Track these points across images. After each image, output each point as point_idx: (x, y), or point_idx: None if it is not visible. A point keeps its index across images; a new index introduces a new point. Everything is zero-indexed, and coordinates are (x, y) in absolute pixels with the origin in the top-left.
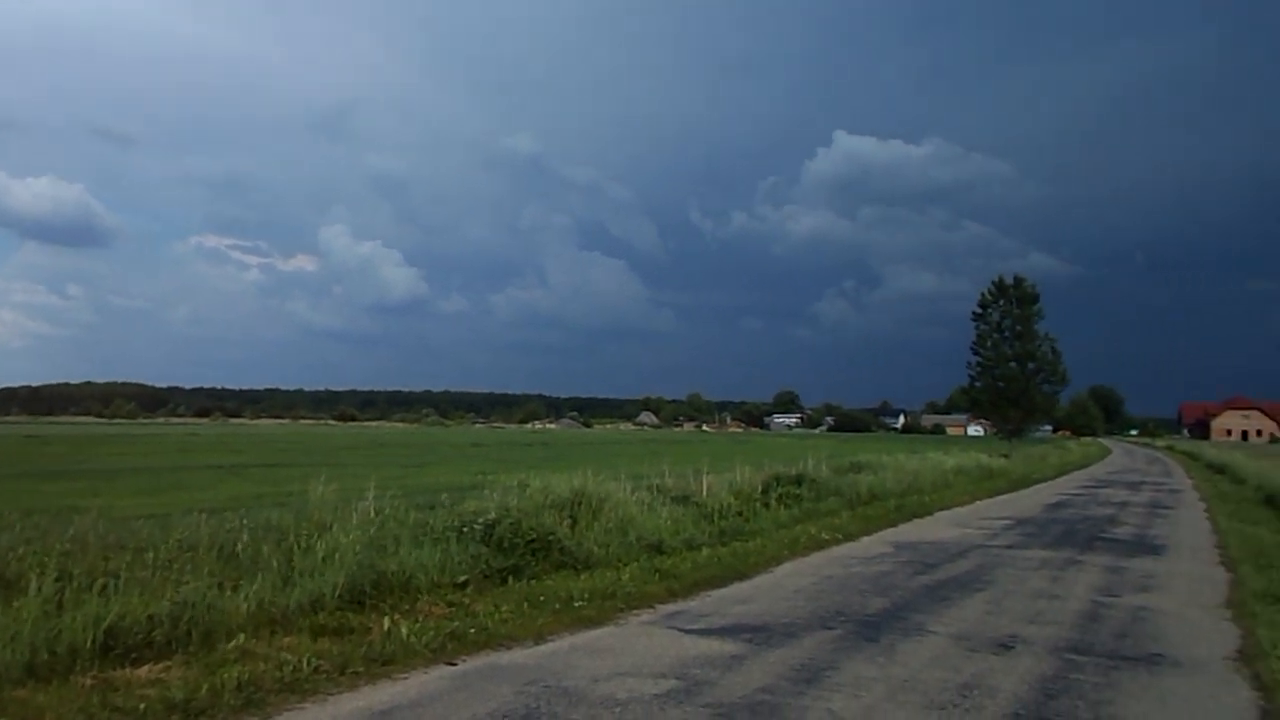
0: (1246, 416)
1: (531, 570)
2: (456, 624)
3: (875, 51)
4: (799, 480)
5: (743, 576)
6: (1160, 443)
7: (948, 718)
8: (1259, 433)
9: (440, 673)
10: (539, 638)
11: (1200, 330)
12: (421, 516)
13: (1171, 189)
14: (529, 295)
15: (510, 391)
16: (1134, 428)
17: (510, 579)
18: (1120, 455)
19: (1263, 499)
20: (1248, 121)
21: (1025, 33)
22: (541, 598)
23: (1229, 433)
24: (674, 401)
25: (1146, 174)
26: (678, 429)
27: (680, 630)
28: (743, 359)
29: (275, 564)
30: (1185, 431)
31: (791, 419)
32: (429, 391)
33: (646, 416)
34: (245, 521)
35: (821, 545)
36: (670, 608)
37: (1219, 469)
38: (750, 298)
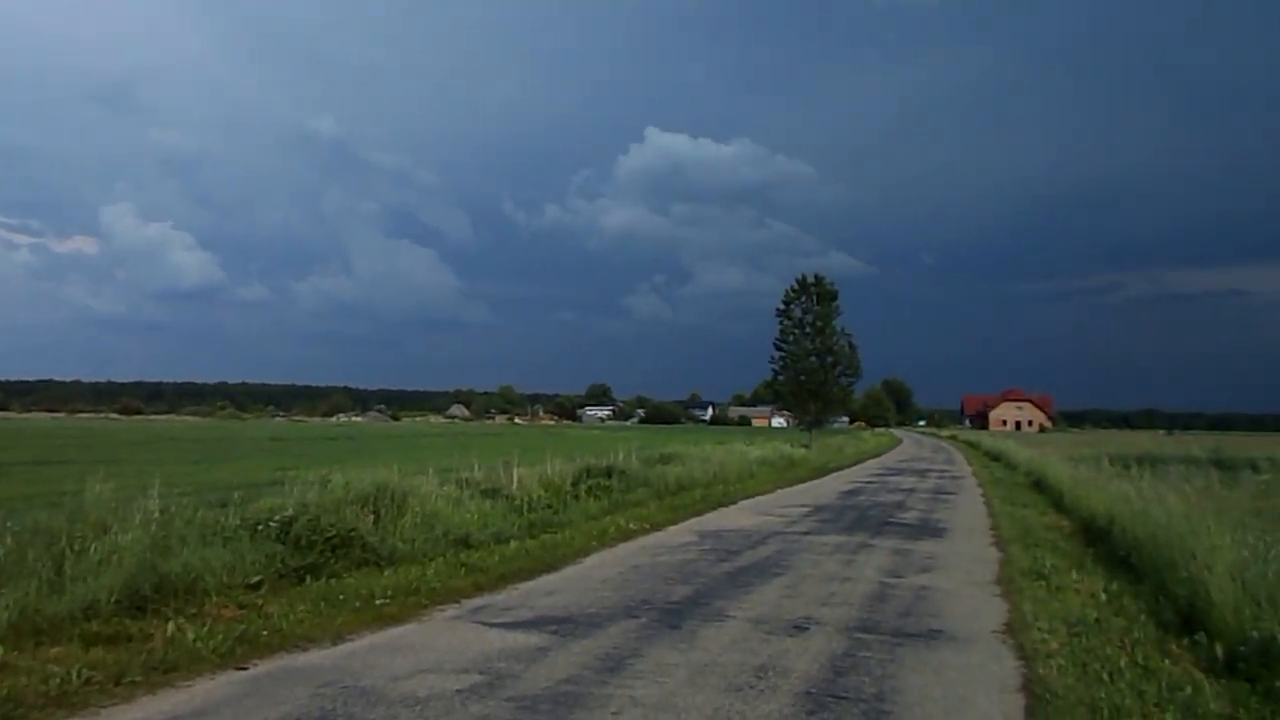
0: (1020, 408)
1: (331, 568)
2: (248, 626)
3: (687, 51)
4: (609, 472)
5: (551, 568)
6: (945, 432)
7: (744, 699)
8: (1030, 423)
9: (229, 678)
10: (338, 638)
11: (980, 327)
12: (212, 515)
13: (956, 195)
14: (334, 283)
15: (314, 384)
16: (922, 418)
17: (308, 578)
18: (910, 445)
19: (1031, 483)
20: (1021, 134)
21: (827, 41)
22: (341, 596)
23: (1004, 423)
24: (486, 394)
25: (934, 179)
26: (490, 422)
27: (485, 624)
28: (556, 351)
29: (42, 570)
30: (967, 421)
31: (604, 411)
32: (224, 384)
33: (458, 409)
34: (9, 525)
35: (630, 535)
36: (476, 602)
37: (995, 456)
38: (564, 290)
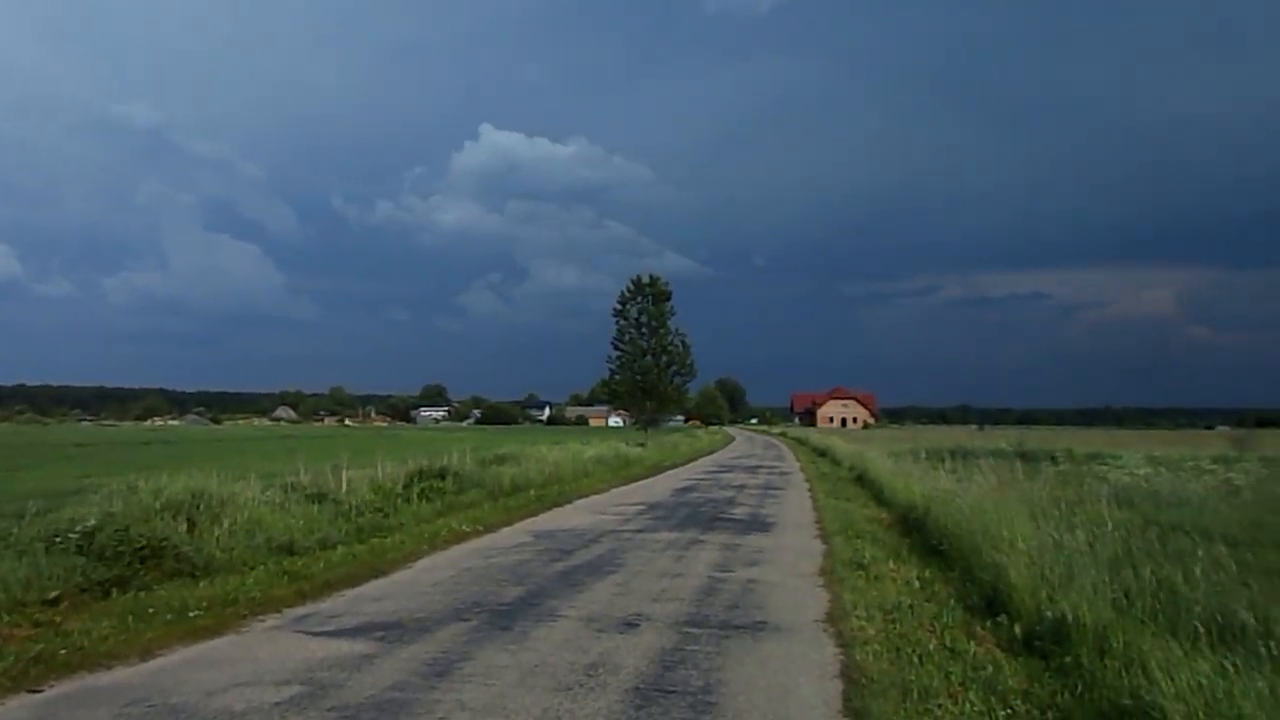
0: (845, 405)
1: (141, 580)
2: (43, 646)
3: (523, 49)
4: (443, 474)
5: (380, 573)
6: (775, 430)
7: (574, 697)
8: (855, 420)
9: (21, 702)
10: (146, 654)
11: (809, 327)
12: (3, 526)
13: (787, 198)
14: (147, 279)
15: (126, 385)
16: (755, 416)
17: (115, 591)
18: (742, 442)
19: (855, 478)
20: (847, 140)
21: (664, 44)
22: (151, 610)
23: (831, 420)
24: (315, 395)
25: (767, 183)
26: (318, 424)
27: (308, 633)
28: (389, 351)
29: None
30: (796, 419)
31: (439, 412)
32: (24, 385)
33: (284, 411)
34: None
35: (463, 538)
36: (299, 611)
37: (822, 452)
38: (397, 288)
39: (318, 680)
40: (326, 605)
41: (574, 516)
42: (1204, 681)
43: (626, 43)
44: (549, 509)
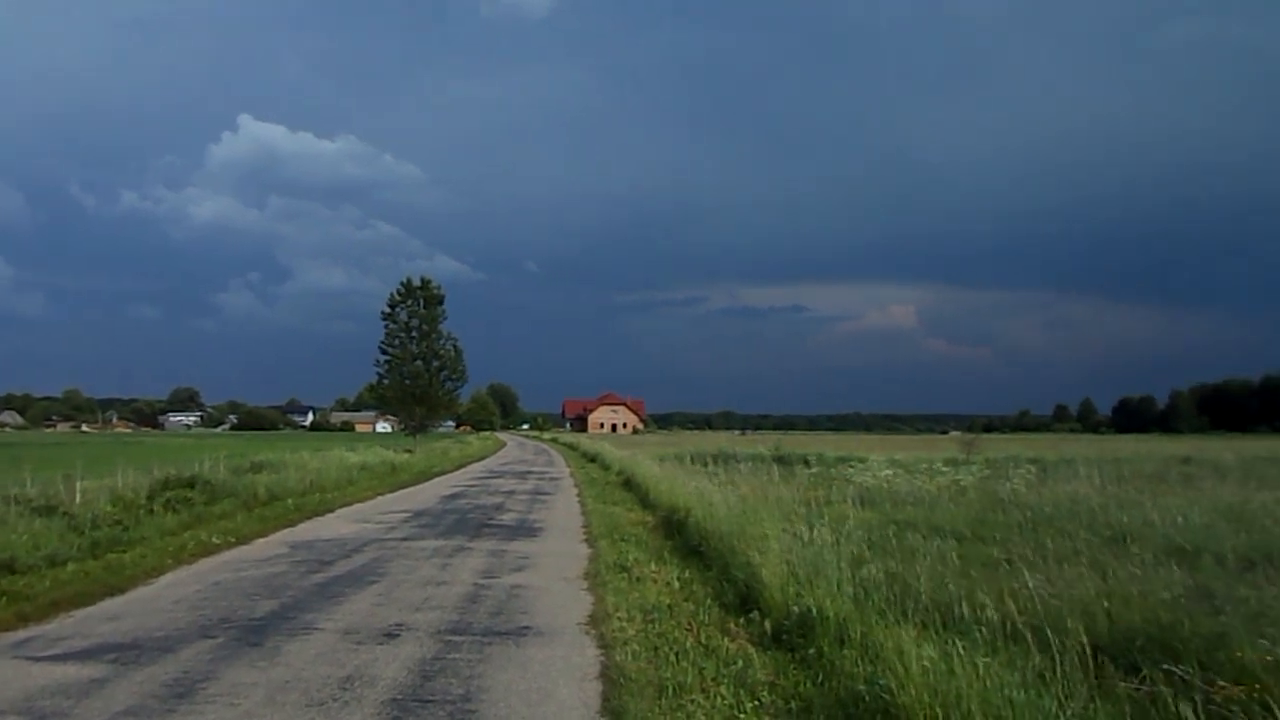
0: (615, 411)
1: None
2: None
3: (287, 38)
4: (192, 483)
5: (117, 591)
6: (547, 435)
7: (327, 712)
8: (625, 425)
9: None
10: None
11: (582, 333)
12: None
13: (560, 205)
14: None
15: None
16: (526, 422)
17: None
18: (514, 448)
19: (622, 482)
20: (620, 151)
21: (439, 43)
22: None
23: (602, 425)
24: (46, 399)
25: (541, 189)
26: (50, 429)
27: (30, 659)
28: (134, 352)
29: None
30: (568, 424)
31: (190, 418)
32: None
33: (9, 416)
34: None
35: (212, 551)
36: (19, 635)
37: (591, 458)
38: (144, 284)
39: (38, 710)
40: (52, 627)
41: (336, 526)
42: (929, 664)
43: (399, 40)
44: (309, 518)
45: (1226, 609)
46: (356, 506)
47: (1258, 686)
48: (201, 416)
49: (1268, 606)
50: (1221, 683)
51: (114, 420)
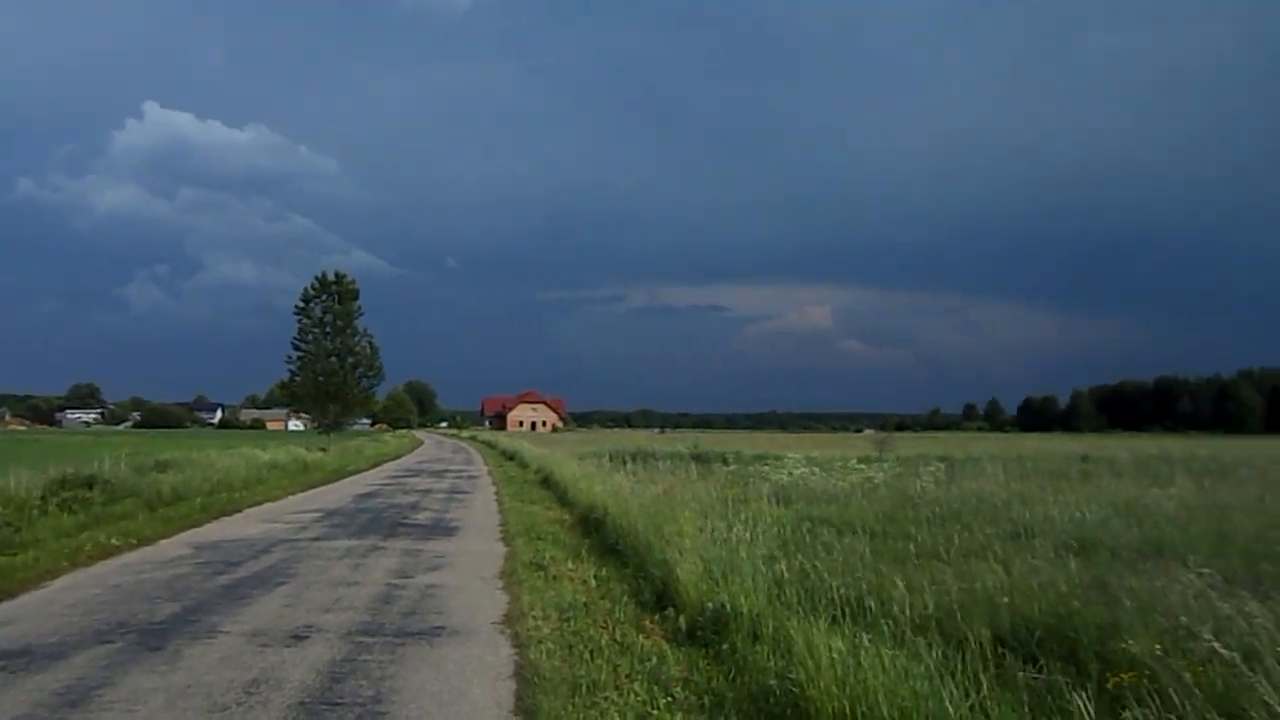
0: (535, 409)
1: None
2: None
3: (195, 24)
4: (90, 482)
5: (6, 595)
6: (465, 433)
7: (230, 718)
8: (544, 423)
9: None
10: None
11: (502, 331)
12: None
13: (482, 201)
14: None
15: None
16: (445, 420)
17: None
18: (431, 446)
19: (541, 480)
20: (542, 149)
21: (358, 35)
22: None
23: (521, 423)
24: None
25: (461, 185)
26: None
27: None
28: (29, 346)
29: None
30: (487, 422)
31: (90, 415)
32: None
33: None
34: None
35: (111, 552)
36: None
37: (510, 456)
38: (41, 277)
39: None
40: None
41: (244, 526)
42: (838, 657)
43: (316, 30)
44: (216, 519)
45: (1119, 600)
46: (266, 506)
47: (1147, 674)
48: (102, 414)
49: (1157, 598)
50: (1114, 671)
51: (6, 418)
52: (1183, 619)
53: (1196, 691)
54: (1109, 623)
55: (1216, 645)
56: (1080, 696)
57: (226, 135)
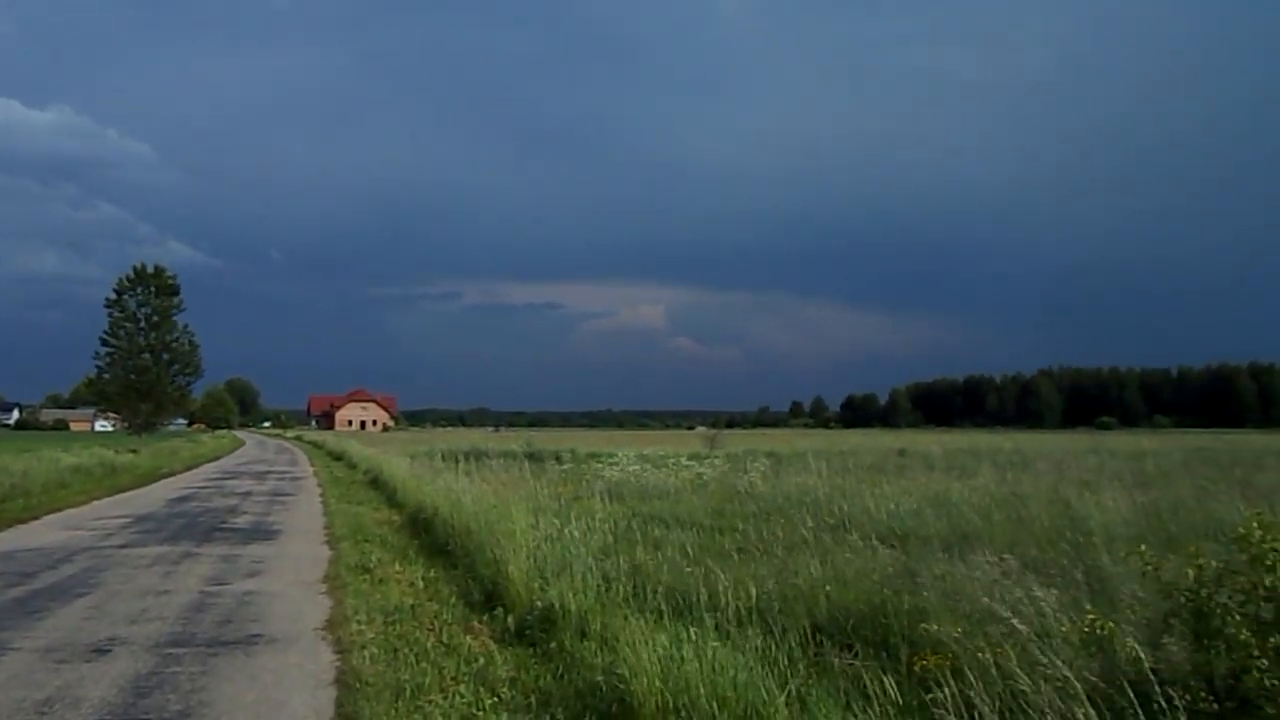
0: (365, 408)
1: None
2: None
3: None
4: None
5: None
6: (290, 433)
7: None
8: (375, 422)
9: None
10: None
11: (330, 327)
12: None
13: (308, 193)
14: None
15: None
16: (268, 419)
17: None
18: (253, 447)
19: (369, 481)
20: (374, 141)
21: (175, 17)
22: None
23: (350, 422)
24: None
25: (286, 175)
26: None
27: None
28: None
29: None
30: (314, 422)
31: None
32: None
33: None
34: None
35: None
36: None
37: (338, 456)
38: None
39: None
40: None
41: (42, 534)
42: (661, 652)
43: (127, 8)
44: (9, 527)
45: (927, 587)
46: (68, 512)
47: (951, 656)
48: None
49: (961, 584)
50: (921, 654)
51: None
52: (985, 600)
53: (993, 670)
54: (917, 608)
55: (1016, 623)
56: (890, 679)
57: (24, 115)
